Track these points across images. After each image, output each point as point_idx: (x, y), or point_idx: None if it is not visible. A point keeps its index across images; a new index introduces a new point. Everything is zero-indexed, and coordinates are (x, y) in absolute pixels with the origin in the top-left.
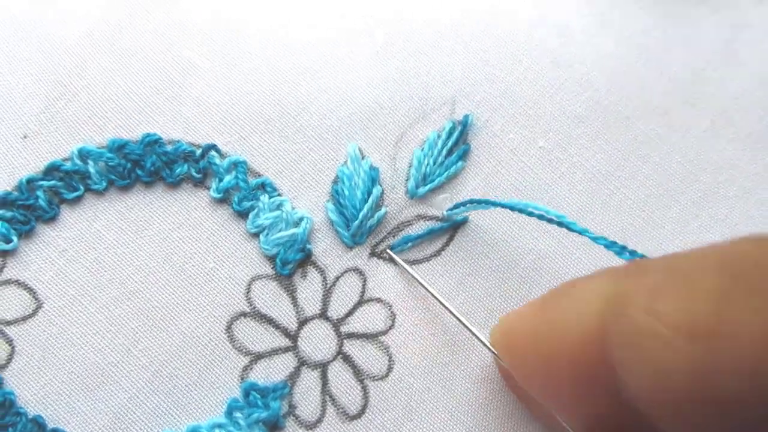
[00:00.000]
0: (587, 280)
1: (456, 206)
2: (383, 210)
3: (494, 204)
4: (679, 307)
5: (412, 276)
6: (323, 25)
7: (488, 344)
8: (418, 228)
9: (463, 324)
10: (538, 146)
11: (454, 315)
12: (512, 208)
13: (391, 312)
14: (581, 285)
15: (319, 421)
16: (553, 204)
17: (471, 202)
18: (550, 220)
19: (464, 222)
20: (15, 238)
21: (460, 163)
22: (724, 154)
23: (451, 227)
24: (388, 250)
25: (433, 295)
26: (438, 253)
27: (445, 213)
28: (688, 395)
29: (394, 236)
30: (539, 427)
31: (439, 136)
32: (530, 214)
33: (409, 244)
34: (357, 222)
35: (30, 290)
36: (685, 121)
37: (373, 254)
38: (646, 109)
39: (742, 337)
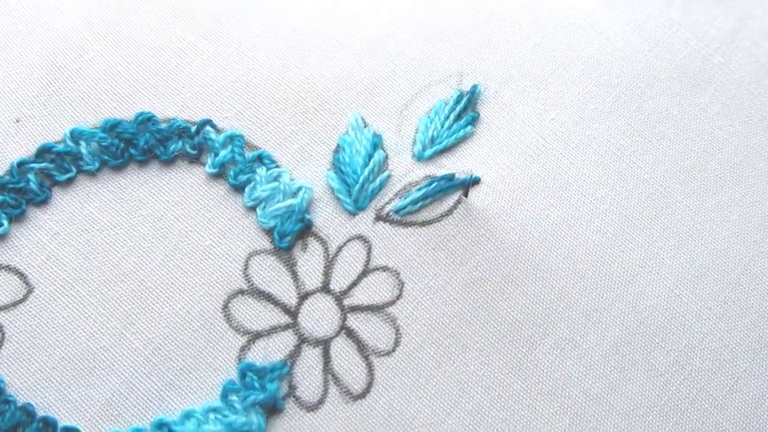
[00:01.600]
0: None
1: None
2: (386, 173)
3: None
4: None
5: None
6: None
7: None
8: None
9: None
10: (550, 118)
11: None
12: None
13: (399, 280)
14: None
15: (321, 401)
16: (567, 174)
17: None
18: None
19: (477, 182)
20: (5, 222)
21: (468, 128)
22: (738, 137)
23: (463, 186)
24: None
25: None
26: (449, 212)
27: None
28: None
29: (399, 198)
30: (555, 402)
31: (446, 104)
32: None
33: (419, 204)
34: (358, 185)
35: (21, 275)
36: (696, 104)
37: (378, 218)
38: (656, 90)
39: None
